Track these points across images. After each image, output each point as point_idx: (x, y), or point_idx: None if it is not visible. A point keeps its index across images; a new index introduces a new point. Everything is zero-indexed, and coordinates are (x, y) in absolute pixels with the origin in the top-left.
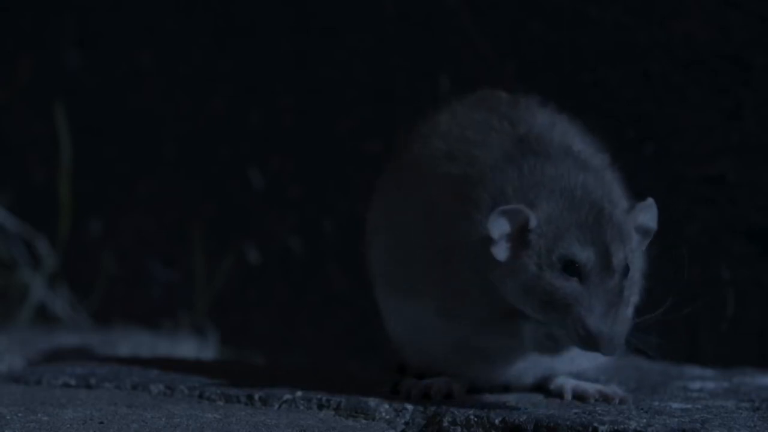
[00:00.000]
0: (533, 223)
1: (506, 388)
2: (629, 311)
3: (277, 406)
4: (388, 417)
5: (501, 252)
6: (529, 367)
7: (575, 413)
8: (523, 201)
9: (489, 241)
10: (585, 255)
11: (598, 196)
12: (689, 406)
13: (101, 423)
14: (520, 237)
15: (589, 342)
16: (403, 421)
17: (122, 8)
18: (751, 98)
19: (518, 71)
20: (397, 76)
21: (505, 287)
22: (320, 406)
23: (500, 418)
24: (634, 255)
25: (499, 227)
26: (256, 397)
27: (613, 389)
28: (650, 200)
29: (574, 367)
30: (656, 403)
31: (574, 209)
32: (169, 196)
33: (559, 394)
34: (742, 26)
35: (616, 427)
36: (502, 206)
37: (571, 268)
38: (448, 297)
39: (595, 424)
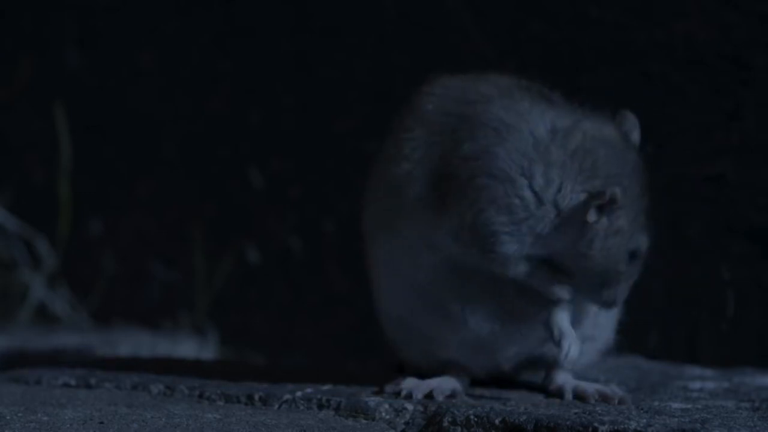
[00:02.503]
0: (621, 200)
1: (503, 381)
2: None
3: (277, 406)
4: (388, 417)
5: (592, 215)
6: (520, 347)
7: (575, 413)
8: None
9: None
10: (645, 245)
11: (642, 170)
12: (689, 406)
13: (101, 423)
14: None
15: (609, 306)
16: (403, 421)
17: (122, 8)
18: (751, 98)
19: (518, 71)
20: (397, 76)
21: (584, 245)
22: (320, 406)
23: (500, 418)
24: None
25: (597, 198)
26: (256, 397)
27: (613, 389)
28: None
29: (550, 350)
30: (656, 403)
31: (636, 190)
32: (169, 196)
33: (559, 394)
34: (742, 26)
35: (616, 427)
36: (611, 186)
37: (633, 255)
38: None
39: (595, 424)
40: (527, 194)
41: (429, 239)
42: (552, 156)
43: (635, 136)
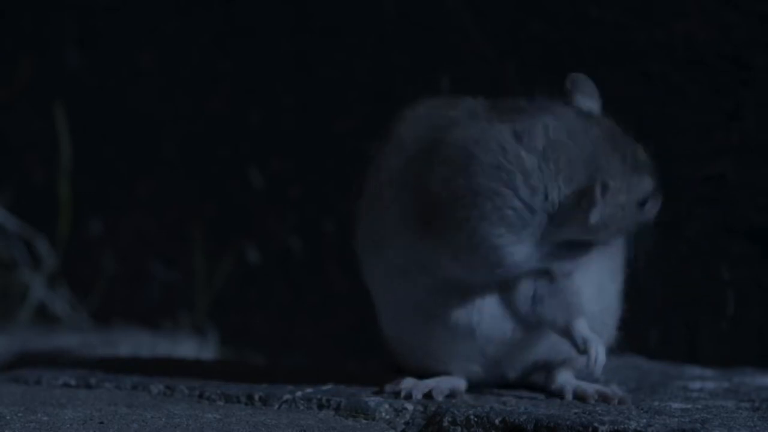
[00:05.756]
0: (610, 189)
1: (503, 385)
2: None
3: (277, 406)
4: (388, 417)
5: (595, 216)
6: (528, 356)
7: (575, 413)
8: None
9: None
10: (650, 187)
11: (613, 131)
12: (689, 406)
13: (101, 423)
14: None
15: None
16: (403, 421)
17: (122, 8)
18: (751, 98)
19: (518, 71)
20: (397, 76)
21: (595, 230)
22: (320, 406)
23: (500, 418)
24: None
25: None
26: (256, 397)
27: (613, 389)
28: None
29: (557, 355)
30: (656, 403)
31: (618, 156)
32: (169, 196)
33: (559, 394)
34: (742, 26)
35: (616, 427)
36: (598, 189)
37: (643, 203)
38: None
39: (595, 424)
40: (518, 204)
41: (421, 263)
42: (526, 162)
43: (593, 100)
